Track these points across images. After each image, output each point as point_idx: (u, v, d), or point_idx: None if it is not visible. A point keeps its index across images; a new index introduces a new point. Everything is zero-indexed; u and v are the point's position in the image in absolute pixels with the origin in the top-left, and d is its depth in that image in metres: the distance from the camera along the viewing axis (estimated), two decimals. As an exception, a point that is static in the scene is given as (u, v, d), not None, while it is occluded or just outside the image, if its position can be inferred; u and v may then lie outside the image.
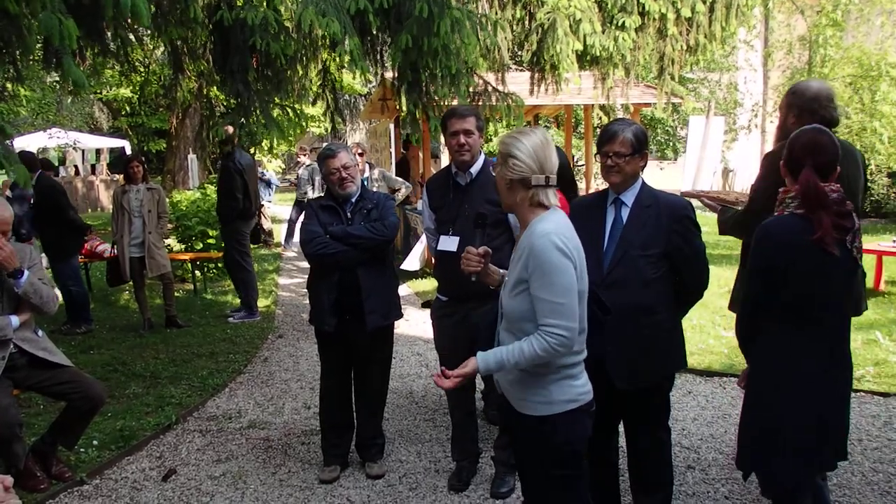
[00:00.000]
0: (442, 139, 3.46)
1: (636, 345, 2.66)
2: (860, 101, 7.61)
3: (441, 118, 3.39)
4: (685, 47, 6.38)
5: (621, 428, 3.03)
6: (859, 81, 7.42)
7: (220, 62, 4.41)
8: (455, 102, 4.81)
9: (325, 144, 4.67)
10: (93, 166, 23.19)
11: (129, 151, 21.02)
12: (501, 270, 2.40)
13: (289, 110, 4.78)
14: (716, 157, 16.06)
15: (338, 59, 4.13)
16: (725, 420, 4.31)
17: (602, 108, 8.50)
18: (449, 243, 3.22)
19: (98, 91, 16.70)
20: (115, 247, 6.68)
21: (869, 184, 12.90)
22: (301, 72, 5.19)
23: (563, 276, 2.01)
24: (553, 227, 2.05)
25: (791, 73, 8.24)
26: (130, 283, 6.95)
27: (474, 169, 3.28)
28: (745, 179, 21.90)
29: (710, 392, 4.80)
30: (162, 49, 7.40)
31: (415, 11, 4.03)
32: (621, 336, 2.57)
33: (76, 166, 22.17)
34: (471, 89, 4.94)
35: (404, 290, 8.54)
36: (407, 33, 4.10)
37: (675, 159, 22.16)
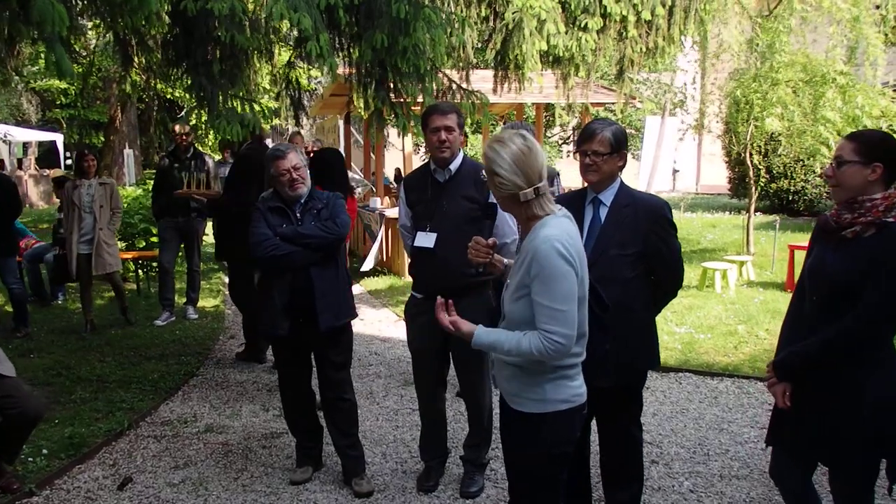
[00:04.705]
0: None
1: (614, 342, 2.67)
2: (800, 105, 7.95)
3: (422, 115, 3.35)
4: (644, 49, 6.53)
5: (592, 424, 3.06)
6: (802, 87, 7.76)
7: (182, 54, 4.22)
8: (420, 100, 4.78)
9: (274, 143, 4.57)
10: (20, 160, 22.01)
11: (60, 145, 20.07)
12: (506, 260, 2.37)
13: (247, 105, 4.62)
14: (670, 157, 16.65)
15: (305, 53, 4.02)
16: (684, 415, 4.42)
17: (569, 107, 8.64)
18: (426, 240, 3.19)
19: (30, 80, 15.87)
20: (66, 243, 6.40)
21: (804, 184, 13.63)
22: (258, 65, 5.05)
23: (565, 283, 2.00)
24: (556, 233, 2.02)
25: (735, 73, 8.56)
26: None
27: (453, 166, 3.25)
28: (688, 178, 22.71)
29: (667, 387, 4.92)
30: (102, 39, 7.06)
31: (390, 12, 3.97)
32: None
33: (1, 160, 20.99)
34: (435, 87, 4.91)
35: (357, 289, 8.44)
36: (381, 32, 4.04)
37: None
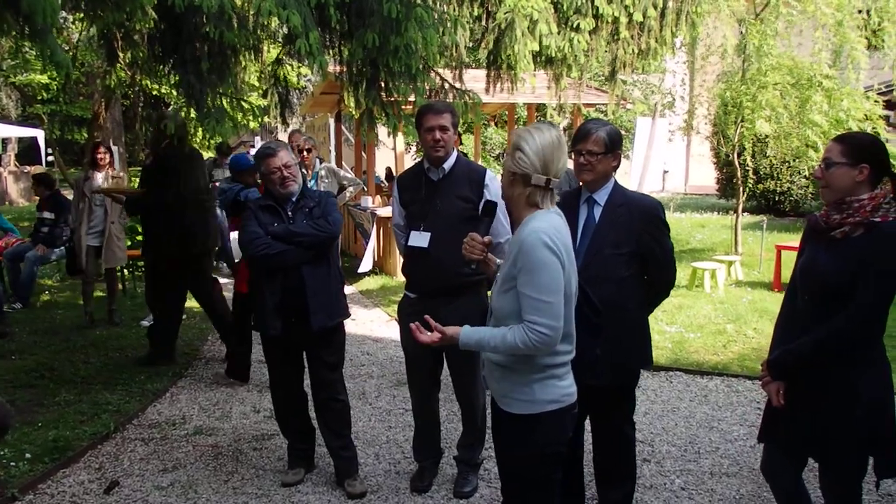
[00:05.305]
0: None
1: (607, 342, 2.66)
2: (786, 108, 8.02)
3: (416, 114, 3.32)
4: (637, 51, 6.55)
5: (586, 423, 3.05)
6: (788, 89, 7.82)
7: (169, 50, 4.14)
8: (412, 100, 4.75)
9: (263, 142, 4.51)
10: (-1, 157, 21.66)
11: (41, 141, 19.76)
12: (498, 260, 2.36)
13: (238, 103, 4.57)
14: (660, 157, 16.74)
15: (294, 51, 3.97)
16: (675, 413, 4.43)
17: (561, 108, 8.67)
18: (420, 239, 3.17)
19: (9, 75, 15.59)
20: (74, 235, 6.39)
21: (790, 185, 13.74)
22: (244, 63, 5.00)
23: (550, 274, 1.99)
24: (544, 226, 2.02)
25: (724, 76, 8.62)
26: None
27: (447, 165, 3.23)
28: (677, 179, 22.86)
29: (658, 386, 4.93)
30: (85, 33, 6.94)
31: (382, 11, 3.94)
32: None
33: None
34: (427, 86, 4.88)
35: (349, 289, 8.39)
36: (372, 32, 4.01)
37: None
